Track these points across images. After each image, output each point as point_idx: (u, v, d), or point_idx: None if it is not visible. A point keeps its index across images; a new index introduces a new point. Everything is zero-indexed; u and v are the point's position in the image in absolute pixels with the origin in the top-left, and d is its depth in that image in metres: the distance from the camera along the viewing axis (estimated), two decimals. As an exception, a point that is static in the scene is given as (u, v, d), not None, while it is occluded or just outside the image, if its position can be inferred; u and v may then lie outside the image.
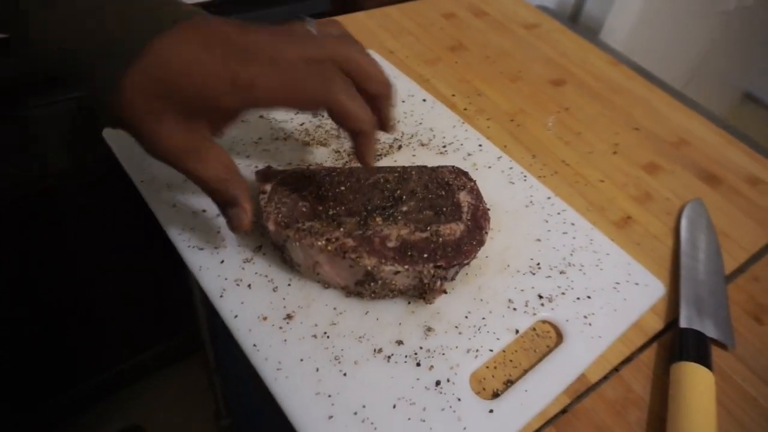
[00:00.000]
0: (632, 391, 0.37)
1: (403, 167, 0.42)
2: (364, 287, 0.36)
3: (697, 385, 0.35)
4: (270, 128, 0.48)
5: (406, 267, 0.35)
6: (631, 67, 0.67)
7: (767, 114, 1.80)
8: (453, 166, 0.43)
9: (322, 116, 0.50)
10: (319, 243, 0.35)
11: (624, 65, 0.67)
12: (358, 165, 0.41)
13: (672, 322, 0.41)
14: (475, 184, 0.42)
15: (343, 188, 0.39)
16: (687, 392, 0.35)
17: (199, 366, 1.18)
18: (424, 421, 0.32)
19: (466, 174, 0.42)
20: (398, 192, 0.40)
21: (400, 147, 0.48)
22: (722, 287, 0.43)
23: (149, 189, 0.41)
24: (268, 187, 0.39)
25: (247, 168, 0.44)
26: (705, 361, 0.36)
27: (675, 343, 0.38)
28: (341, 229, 0.36)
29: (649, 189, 0.51)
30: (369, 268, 0.35)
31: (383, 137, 0.49)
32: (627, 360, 0.38)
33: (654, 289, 0.41)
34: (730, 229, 0.49)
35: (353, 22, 0.64)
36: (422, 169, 0.42)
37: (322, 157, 0.46)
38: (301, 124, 0.49)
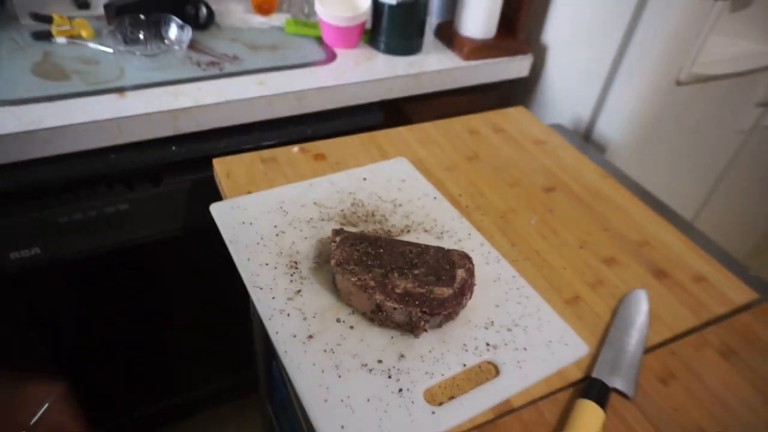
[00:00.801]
0: (544, 417, 0.51)
1: (426, 245, 0.60)
2: (375, 315, 0.54)
3: (587, 417, 0.49)
4: (319, 212, 0.68)
5: (401, 306, 0.53)
6: (620, 179, 0.82)
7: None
8: (462, 251, 0.60)
9: (357, 205, 0.70)
10: (353, 279, 0.54)
11: (612, 178, 0.82)
12: (397, 239, 0.61)
13: (589, 375, 0.54)
14: (472, 266, 0.59)
15: (381, 250, 0.58)
16: (578, 421, 0.49)
17: (252, 407, 1.37)
18: (386, 412, 0.48)
19: (469, 258, 0.59)
20: (415, 261, 0.58)
21: (408, 231, 0.67)
22: (638, 354, 0.56)
23: (234, 247, 0.62)
24: (338, 239, 0.59)
25: (299, 238, 0.64)
26: (601, 402, 0.50)
27: (585, 387, 0.52)
28: (369, 274, 0.55)
29: (602, 277, 0.66)
30: (378, 302, 0.53)
31: (397, 221, 0.68)
32: (546, 396, 0.53)
33: (579, 350, 0.56)
34: (665, 314, 0.62)
35: (395, 134, 0.85)
36: (439, 249, 0.60)
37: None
38: (341, 210, 0.69)
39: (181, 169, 0.84)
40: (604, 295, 0.63)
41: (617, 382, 0.53)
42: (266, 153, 0.78)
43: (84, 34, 0.92)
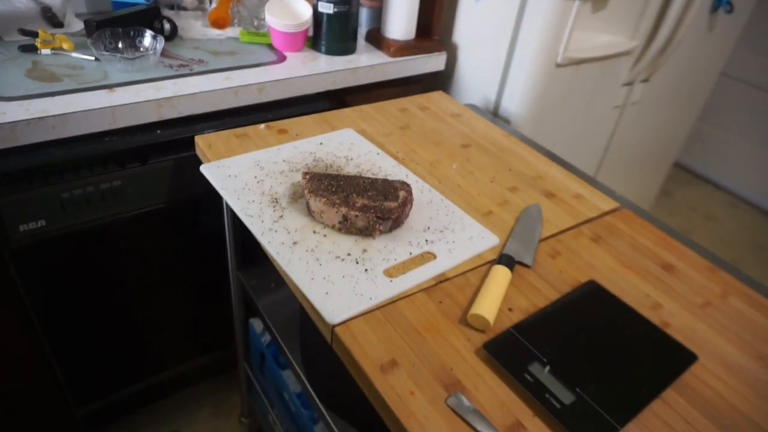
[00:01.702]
0: (470, 281, 0.71)
1: (375, 178, 0.79)
2: (342, 225, 0.73)
3: (499, 276, 0.69)
4: (288, 166, 0.87)
5: (361, 214, 0.72)
6: (521, 138, 1.06)
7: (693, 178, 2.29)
8: (402, 180, 0.80)
9: (318, 161, 0.89)
10: (323, 200, 0.73)
11: (514, 137, 1.06)
12: (353, 174, 0.80)
13: (501, 254, 0.75)
14: (410, 188, 0.78)
15: (341, 182, 0.77)
16: (492, 278, 0.69)
17: (232, 384, 1.49)
18: (357, 282, 0.67)
19: (407, 184, 0.79)
20: (368, 187, 0.77)
21: (360, 174, 0.86)
22: (535, 241, 0.78)
23: (226, 192, 0.79)
24: (308, 177, 0.77)
25: (276, 183, 0.82)
26: (508, 266, 0.71)
27: (496, 259, 0.73)
28: (335, 196, 0.74)
29: (508, 199, 0.88)
30: (344, 213, 0.72)
31: (350, 169, 0.87)
32: (471, 270, 0.73)
33: (493, 240, 0.77)
34: (553, 219, 0.85)
35: (342, 114, 1.05)
36: (385, 179, 0.79)
37: (317, 179, 0.85)
38: (306, 164, 0.88)
39: (164, 150, 1.00)
40: (509, 210, 0.85)
41: (521, 257, 0.74)
42: (238, 130, 0.96)
43: (65, 46, 1.07)
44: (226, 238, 1.01)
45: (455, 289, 0.69)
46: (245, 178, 0.83)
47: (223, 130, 0.96)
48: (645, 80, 1.46)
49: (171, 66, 1.07)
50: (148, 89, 0.97)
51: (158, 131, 0.98)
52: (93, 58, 1.05)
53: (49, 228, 0.93)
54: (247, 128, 0.97)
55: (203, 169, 0.84)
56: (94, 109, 0.90)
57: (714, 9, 1.47)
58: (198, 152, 0.92)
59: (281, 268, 0.69)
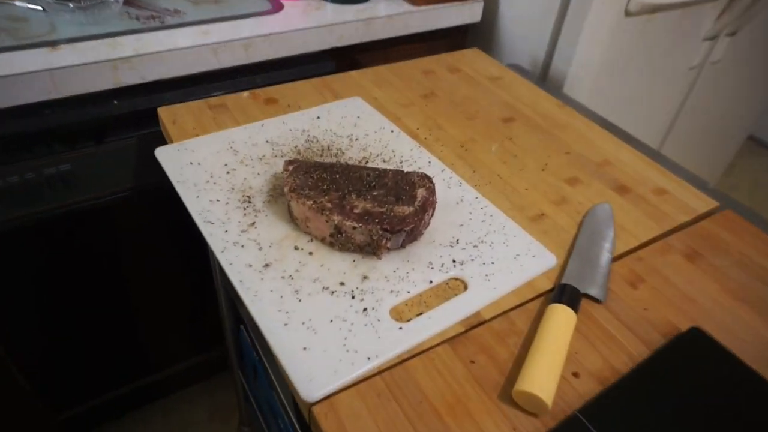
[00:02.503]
0: (515, 325, 0.49)
1: (385, 169, 0.57)
2: (335, 238, 0.52)
3: (561, 319, 0.47)
4: (272, 149, 0.65)
5: (361, 225, 0.50)
6: (578, 109, 0.82)
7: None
8: (422, 173, 0.58)
9: (312, 142, 0.67)
10: (308, 203, 0.52)
11: (570, 107, 0.82)
12: (355, 165, 0.58)
13: (558, 283, 0.53)
14: (433, 185, 0.56)
15: (337, 175, 0.56)
16: (551, 323, 0.47)
17: (225, 386, 1.33)
18: (350, 331, 0.46)
19: (429, 178, 0.57)
20: (374, 183, 0.55)
21: (366, 162, 0.64)
22: (606, 262, 0.55)
23: (182, 186, 0.59)
24: (290, 167, 0.56)
25: (252, 174, 0.61)
26: (572, 305, 0.49)
27: (554, 293, 0.51)
28: (325, 197, 0.52)
29: (565, 195, 0.65)
30: (336, 222, 0.50)
31: (354, 154, 0.65)
32: (517, 307, 0.51)
33: (547, 261, 0.54)
34: (629, 225, 0.61)
35: (348, 78, 0.82)
36: (398, 171, 0.57)
37: (308, 168, 0.63)
38: (295, 147, 0.66)
39: (125, 124, 0.79)
40: (568, 211, 0.62)
41: (588, 288, 0.52)
42: (215, 100, 0.75)
43: (9, -8, 0.86)
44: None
45: (494, 338, 0.48)
46: (212, 167, 0.62)
47: (198, 99, 0.75)
48: (731, 34, 1.17)
49: (138, 18, 0.86)
50: (101, 46, 0.76)
51: (115, 101, 0.77)
52: (40, 8, 0.84)
53: (-20, 224, 0.74)
54: (226, 97, 0.76)
55: (158, 153, 0.64)
56: (26, 73, 0.70)
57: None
58: (162, 129, 0.72)
59: (245, 305, 0.48)
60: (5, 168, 0.73)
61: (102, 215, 0.84)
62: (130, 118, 0.79)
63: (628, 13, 0.93)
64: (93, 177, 0.79)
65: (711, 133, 1.46)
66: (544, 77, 1.01)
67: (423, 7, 1.00)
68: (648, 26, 0.99)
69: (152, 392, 1.24)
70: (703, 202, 0.66)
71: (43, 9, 0.84)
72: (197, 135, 0.67)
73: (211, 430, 1.28)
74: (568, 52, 0.96)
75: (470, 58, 0.93)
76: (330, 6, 0.97)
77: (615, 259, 0.57)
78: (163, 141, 0.71)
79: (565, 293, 0.50)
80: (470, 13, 1.06)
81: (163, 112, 0.71)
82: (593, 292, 0.52)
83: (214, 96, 0.76)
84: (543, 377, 0.43)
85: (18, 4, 0.85)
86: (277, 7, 0.95)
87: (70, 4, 0.84)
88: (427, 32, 1.03)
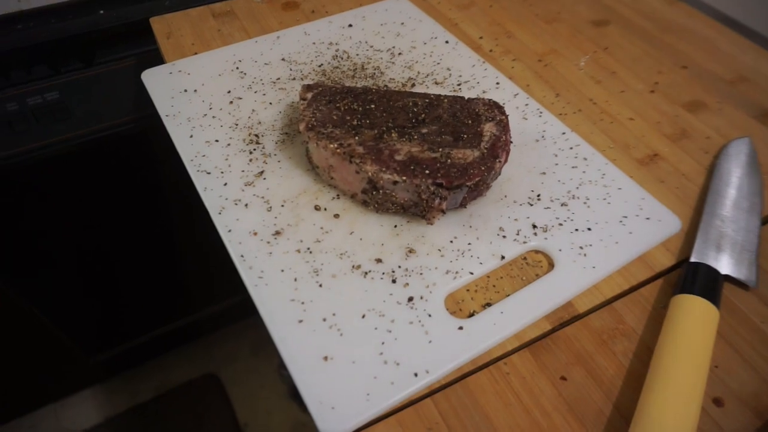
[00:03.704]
0: (624, 322, 0.35)
1: (438, 95, 0.42)
2: (368, 195, 0.38)
3: (695, 318, 0.32)
4: (289, 69, 0.50)
5: (404, 179, 0.36)
6: (694, 4, 0.61)
7: None
8: (490, 99, 0.42)
9: (341, 58, 0.51)
10: (332, 146, 0.37)
11: (683, 2, 0.61)
12: (393, 89, 0.43)
13: (685, 260, 0.37)
14: (506, 118, 0.40)
15: (372, 106, 0.41)
16: (682, 324, 0.32)
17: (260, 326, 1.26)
18: (390, 331, 0.33)
19: (500, 108, 0.41)
20: (423, 116, 0.40)
21: (413, 85, 0.48)
22: (755, 227, 0.39)
23: (172, 122, 0.45)
24: (309, 95, 0.41)
25: (262, 104, 0.46)
26: (711, 295, 0.33)
27: (681, 277, 0.35)
28: (356, 138, 0.38)
29: (686, 127, 0.47)
30: (371, 174, 0.36)
31: (396, 74, 0.49)
32: (625, 293, 0.36)
33: (668, 225, 0.39)
34: (780, 169, 0.44)
35: (391, -28, 0.64)
36: (456, 98, 0.42)
37: (335, 95, 0.48)
38: (320, 66, 0.50)
39: (118, 40, 0.65)
40: (692, 150, 0.45)
41: (729, 267, 0.36)
42: (219, 6, 0.59)
43: None
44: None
45: (594, 342, 0.34)
46: (212, 96, 0.47)
47: (201, 6, 0.60)
48: None
49: None
50: (80, -61, 0.60)
51: (101, 11, 0.63)
52: None
53: (-38, 166, 0.64)
54: (234, 2, 0.60)
55: (145, 77, 0.49)
56: (-13, -23, 0.56)
57: None
58: (157, 42, 0.57)
59: (248, 290, 0.35)
60: (-19, 98, 0.61)
61: (105, 150, 0.72)
62: (123, 32, 0.64)
63: None
64: (87, 106, 0.66)
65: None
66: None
67: None
68: None
69: (195, 330, 1.19)
70: None
71: None
72: (196, 52, 0.53)
73: (254, 364, 1.23)
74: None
75: (547, -59, 0.72)
76: None
77: (765, 221, 0.40)
78: (162, 61, 0.56)
79: (699, 277, 0.35)
80: None
81: (156, 23, 0.57)
82: (738, 273, 0.36)
83: (219, 1, 0.60)
84: (675, 415, 0.28)
85: None
86: None
87: None
88: None
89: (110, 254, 0.88)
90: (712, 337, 0.32)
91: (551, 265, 0.37)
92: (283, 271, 0.35)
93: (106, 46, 0.65)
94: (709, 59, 0.54)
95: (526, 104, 0.47)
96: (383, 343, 0.32)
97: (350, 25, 0.55)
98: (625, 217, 0.39)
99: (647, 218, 0.39)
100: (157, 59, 0.56)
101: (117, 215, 0.83)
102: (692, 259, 0.36)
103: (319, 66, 0.50)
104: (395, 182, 0.36)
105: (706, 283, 0.34)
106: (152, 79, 0.49)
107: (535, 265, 0.37)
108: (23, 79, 0.62)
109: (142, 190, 0.82)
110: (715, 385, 0.32)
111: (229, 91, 0.48)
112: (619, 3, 0.61)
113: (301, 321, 0.33)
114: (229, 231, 0.38)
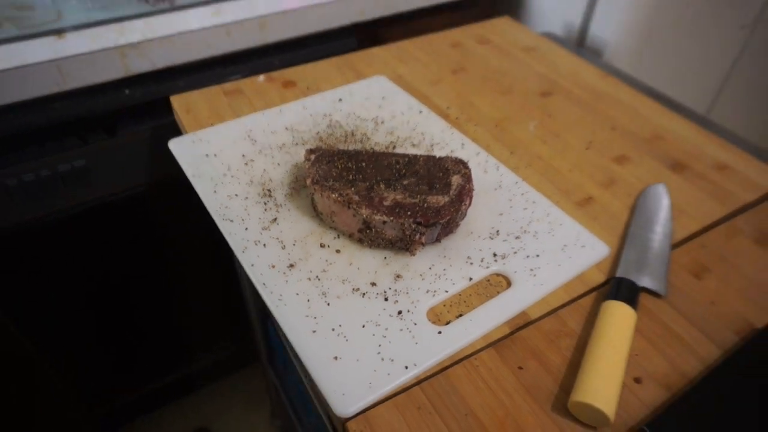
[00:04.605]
0: (567, 325, 0.44)
1: (415, 155, 0.53)
2: (363, 234, 0.48)
3: (619, 319, 0.42)
4: (292, 136, 0.61)
5: (392, 219, 0.46)
6: (623, 78, 0.75)
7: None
8: (456, 157, 0.53)
9: (334, 127, 0.62)
10: (333, 195, 0.47)
11: (613, 77, 0.75)
12: (383, 152, 0.54)
13: (613, 276, 0.48)
14: (469, 171, 0.51)
15: (363, 164, 0.51)
16: (608, 323, 0.42)
17: (260, 374, 1.31)
18: (385, 336, 0.42)
19: (464, 163, 0.52)
20: (404, 171, 0.51)
21: (394, 147, 0.59)
22: (666, 251, 0.50)
23: (198, 181, 0.55)
24: (312, 157, 0.52)
25: (271, 165, 0.57)
26: (631, 302, 0.44)
27: (609, 289, 0.46)
28: (352, 189, 0.48)
29: (614, 176, 0.59)
30: (365, 217, 0.46)
31: (380, 139, 0.60)
32: (567, 303, 0.46)
33: (599, 251, 0.49)
34: (688, 207, 0.55)
35: (371, 55, 0.77)
36: (430, 157, 0.52)
37: (331, 156, 0.58)
38: (317, 133, 0.61)
39: (138, 115, 0.76)
40: (618, 194, 0.57)
41: (646, 281, 0.47)
42: (230, 85, 0.70)
43: (14, -20, 0.82)
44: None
45: (544, 341, 0.43)
46: (229, 159, 0.58)
47: (212, 84, 0.71)
48: (786, -13, 1.07)
49: (147, 0, 0.81)
50: (110, 32, 0.72)
51: (126, 91, 0.74)
52: (47, -5, 0.80)
53: (-2, 225, 0.72)
54: (241, 81, 0.71)
55: (172, 145, 0.60)
56: (34, 64, 0.66)
57: None
58: (176, 119, 0.68)
59: (270, 310, 0.44)
60: (19, 166, 0.70)
61: (120, 210, 0.81)
62: (143, 107, 0.75)
63: (673, -30, 0.85)
64: (108, 171, 0.76)
65: (762, 101, 1.36)
66: (581, 45, 0.94)
67: (448, -25, 0.93)
68: (695, -17, 0.91)
69: (186, 385, 1.23)
70: (770, 178, 0.59)
71: (50, -4, 0.80)
72: (212, 124, 0.63)
73: (246, 419, 1.27)
74: (607, 17, 0.88)
75: (501, 27, 0.87)
76: (348, -22, 0.91)
77: (674, 246, 0.51)
78: (178, 131, 0.67)
79: (622, 288, 0.45)
80: (498, -21, 0.99)
81: (176, 101, 0.67)
82: (652, 285, 0.47)
83: (229, 81, 0.72)
84: (603, 386, 0.38)
85: (24, -9, 0.81)
86: (292, -18, 0.89)
87: (77, -10, 0.80)
88: (455, 2, 0.96)
89: (109, 307, 0.95)
90: (631, 332, 0.42)
91: (509, 284, 0.46)
92: (297, 294, 0.45)
93: (128, 119, 0.75)
94: (632, 122, 0.66)
95: (486, 161, 0.58)
96: (380, 345, 0.41)
97: (340, 100, 0.67)
98: (566, 246, 0.49)
99: (583, 246, 0.49)
100: (171, 130, 0.67)
101: (121, 272, 0.91)
102: (617, 275, 0.47)
103: (317, 133, 0.61)
104: (384, 222, 0.46)
105: (627, 293, 0.45)
106: (178, 146, 0.59)
107: (496, 284, 0.47)
108: (56, 149, 0.72)
109: (145, 249, 0.91)
110: (635, 368, 0.41)
111: (243, 155, 0.58)
112: (561, 77, 0.74)
113: (314, 331, 0.42)
114: (252, 265, 0.47)
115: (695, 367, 0.42)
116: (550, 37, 0.87)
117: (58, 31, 0.72)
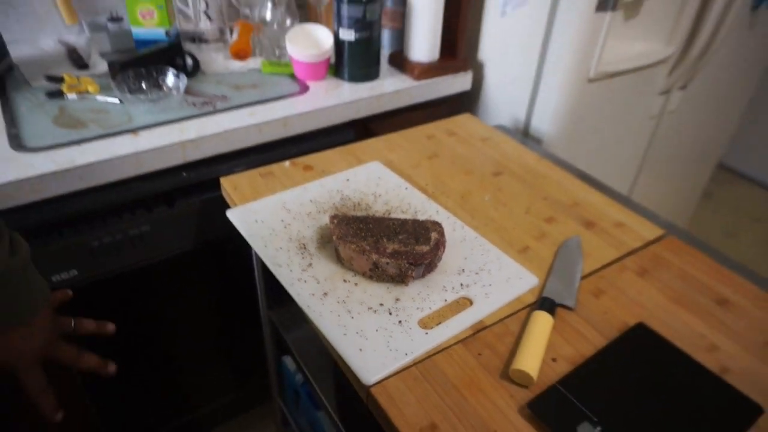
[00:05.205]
0: (509, 328, 0.67)
1: (405, 219, 0.76)
2: (373, 272, 0.70)
3: (540, 324, 0.66)
4: (315, 207, 0.85)
5: (393, 260, 0.69)
6: (554, 161, 1.02)
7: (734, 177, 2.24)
8: (433, 220, 0.77)
9: (345, 199, 0.86)
10: (353, 246, 0.70)
11: (547, 160, 1.02)
12: (382, 216, 0.77)
13: (540, 296, 0.71)
14: (442, 229, 0.75)
15: (370, 225, 0.75)
16: (535, 324, 0.65)
17: (267, 416, 1.48)
18: (391, 336, 0.64)
19: (439, 224, 0.76)
20: (398, 230, 0.74)
21: (389, 213, 0.84)
22: (576, 280, 0.74)
23: (252, 239, 0.78)
24: (335, 221, 0.75)
25: (303, 227, 0.80)
26: (551, 312, 0.67)
27: (536, 303, 0.69)
28: (365, 242, 0.71)
29: (545, 232, 0.84)
30: (374, 260, 0.69)
31: (379, 207, 0.85)
32: (510, 315, 0.69)
33: (531, 281, 0.73)
34: (594, 251, 0.80)
35: (367, 145, 1.03)
36: (415, 220, 0.76)
37: (345, 220, 0.82)
38: (333, 204, 0.85)
39: (191, 192, 0.99)
40: (547, 244, 0.81)
41: (562, 299, 0.70)
42: (263, 169, 0.95)
43: (90, 89, 1.07)
44: (256, 280, 1.00)
45: (494, 338, 0.66)
46: (272, 223, 0.81)
47: (248, 167, 0.95)
48: (682, 87, 1.39)
49: (194, 104, 1.07)
50: (173, 131, 0.96)
51: (184, 173, 0.97)
52: (117, 101, 1.05)
53: (82, 277, 0.93)
54: (272, 166, 0.95)
55: (230, 215, 0.83)
56: (118, 157, 0.90)
57: (756, 5, 1.39)
58: (224, 194, 0.91)
59: (313, 323, 0.66)
60: (100, 232, 0.92)
61: (173, 265, 1.03)
62: (195, 186, 0.99)
63: (590, 80, 1.15)
64: (166, 235, 0.98)
65: (679, 169, 1.67)
66: (526, 135, 1.22)
67: (422, 81, 1.22)
68: (609, 87, 1.21)
69: (196, 428, 1.39)
70: (652, 231, 0.85)
71: (120, 101, 1.05)
72: (255, 198, 0.87)
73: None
74: (543, 114, 1.17)
75: (464, 121, 1.14)
76: (347, 84, 1.18)
77: (583, 277, 0.75)
78: (220, 204, 0.90)
79: (545, 303, 0.69)
80: (462, 83, 1.28)
81: (226, 182, 0.91)
82: (567, 302, 0.70)
83: (261, 164, 0.96)
84: (530, 360, 0.60)
85: (99, 98, 1.06)
86: (303, 88, 1.16)
87: (141, 96, 1.05)
88: (427, 101, 1.24)
89: (148, 349, 1.14)
90: (549, 330, 0.65)
91: (471, 303, 0.70)
92: (331, 311, 0.67)
93: (184, 195, 0.98)
94: (558, 193, 0.92)
95: (455, 223, 0.83)
96: (388, 342, 0.63)
97: (347, 180, 0.91)
98: (510, 278, 0.73)
99: (520, 278, 0.73)
100: (217, 201, 0.90)
101: (174, 316, 1.10)
102: (543, 295, 0.70)
103: (333, 204, 0.85)
104: (387, 263, 0.69)
105: (549, 306, 0.68)
106: (234, 215, 0.82)
107: (462, 304, 0.70)
108: (128, 217, 0.94)
109: (191, 300, 1.11)
110: (552, 352, 0.64)
111: (282, 220, 0.81)
112: (509, 161, 1.01)
113: (345, 334, 0.64)
114: (298, 294, 0.69)
115: (591, 351, 0.65)
116: (502, 129, 1.15)
117: (133, 130, 0.96)
